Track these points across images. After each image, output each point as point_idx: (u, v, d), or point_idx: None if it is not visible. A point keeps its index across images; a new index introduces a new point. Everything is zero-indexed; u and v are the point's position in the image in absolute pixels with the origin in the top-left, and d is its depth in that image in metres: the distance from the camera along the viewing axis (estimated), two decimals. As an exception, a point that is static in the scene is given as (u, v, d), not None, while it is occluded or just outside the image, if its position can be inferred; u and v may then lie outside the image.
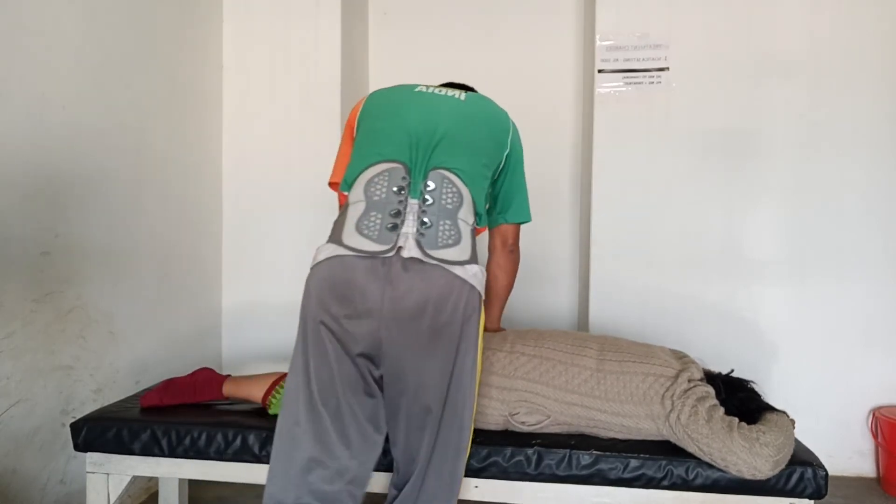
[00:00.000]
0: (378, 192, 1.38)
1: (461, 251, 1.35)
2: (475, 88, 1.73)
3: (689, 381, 1.54)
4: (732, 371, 1.69)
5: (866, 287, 2.62)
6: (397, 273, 1.30)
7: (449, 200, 1.39)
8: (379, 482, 1.54)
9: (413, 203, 1.37)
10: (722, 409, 1.51)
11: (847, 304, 2.63)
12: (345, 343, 1.34)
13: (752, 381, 1.66)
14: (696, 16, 2.67)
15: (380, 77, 3.16)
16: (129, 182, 2.22)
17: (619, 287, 2.72)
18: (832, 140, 2.62)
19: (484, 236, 1.65)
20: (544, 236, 3.07)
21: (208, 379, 1.82)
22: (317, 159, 2.76)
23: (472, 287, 1.35)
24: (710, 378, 1.63)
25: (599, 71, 2.72)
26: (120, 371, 2.19)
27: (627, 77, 2.70)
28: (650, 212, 2.71)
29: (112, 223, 2.13)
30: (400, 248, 1.32)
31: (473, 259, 1.38)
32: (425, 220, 1.35)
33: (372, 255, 1.31)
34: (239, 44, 2.83)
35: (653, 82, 2.69)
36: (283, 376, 1.73)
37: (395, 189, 1.37)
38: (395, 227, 1.33)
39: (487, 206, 1.61)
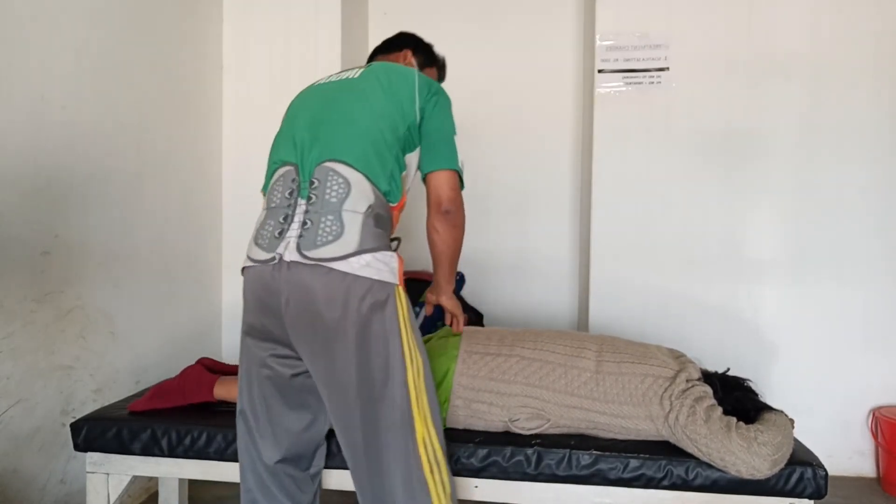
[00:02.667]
0: (275, 199, 1.37)
1: (343, 245, 1.27)
2: (405, 45, 1.73)
3: (688, 381, 1.54)
4: (729, 370, 1.69)
5: (866, 287, 2.62)
6: (284, 280, 1.29)
7: (333, 194, 1.31)
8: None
9: (301, 204, 1.33)
10: (720, 409, 1.51)
11: (847, 303, 2.63)
12: (265, 349, 1.39)
13: (749, 380, 1.66)
14: (696, 16, 2.67)
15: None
16: (129, 182, 2.22)
17: (619, 287, 2.72)
18: (832, 140, 2.62)
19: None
20: (544, 236, 3.07)
21: (197, 382, 1.76)
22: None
23: (365, 278, 1.26)
24: (707, 377, 1.63)
25: (599, 71, 2.72)
26: (120, 371, 2.19)
27: (627, 77, 2.70)
28: (650, 212, 2.71)
29: (112, 223, 2.13)
30: (282, 254, 1.29)
31: (364, 248, 1.28)
32: (306, 220, 1.30)
33: (263, 264, 1.32)
34: (239, 44, 2.84)
35: (653, 82, 2.69)
36: None
37: (287, 193, 1.35)
38: (281, 234, 1.32)
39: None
